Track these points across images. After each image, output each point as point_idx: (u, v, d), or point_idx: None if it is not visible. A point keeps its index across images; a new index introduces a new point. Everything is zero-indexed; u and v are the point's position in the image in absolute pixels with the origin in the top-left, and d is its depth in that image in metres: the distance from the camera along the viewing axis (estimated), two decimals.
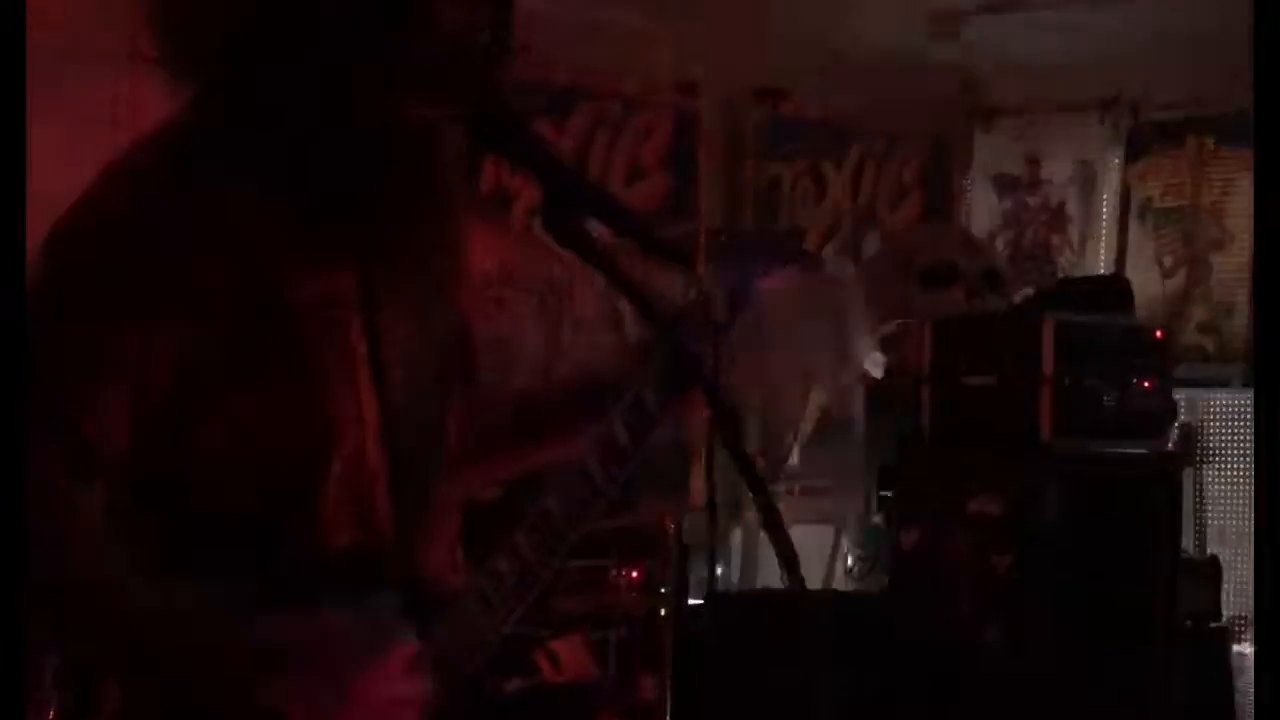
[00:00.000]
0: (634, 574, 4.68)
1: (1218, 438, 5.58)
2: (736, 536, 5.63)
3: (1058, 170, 6.30)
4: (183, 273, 1.64)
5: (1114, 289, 5.13)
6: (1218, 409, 5.71)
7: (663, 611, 4.56)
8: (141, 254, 1.64)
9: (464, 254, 1.91)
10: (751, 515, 5.28)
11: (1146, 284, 5.80)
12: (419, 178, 1.75)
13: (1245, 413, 5.67)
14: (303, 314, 1.69)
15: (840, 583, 5.62)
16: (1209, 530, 5.34)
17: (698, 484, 5.33)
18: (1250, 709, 5.33)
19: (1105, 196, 6.17)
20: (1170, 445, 5.00)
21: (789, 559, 1.57)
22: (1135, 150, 6.08)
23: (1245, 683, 5.36)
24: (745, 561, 5.65)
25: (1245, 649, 5.36)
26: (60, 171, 1.77)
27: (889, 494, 5.05)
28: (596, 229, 1.64)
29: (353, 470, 1.72)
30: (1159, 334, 4.94)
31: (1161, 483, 4.83)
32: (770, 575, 5.41)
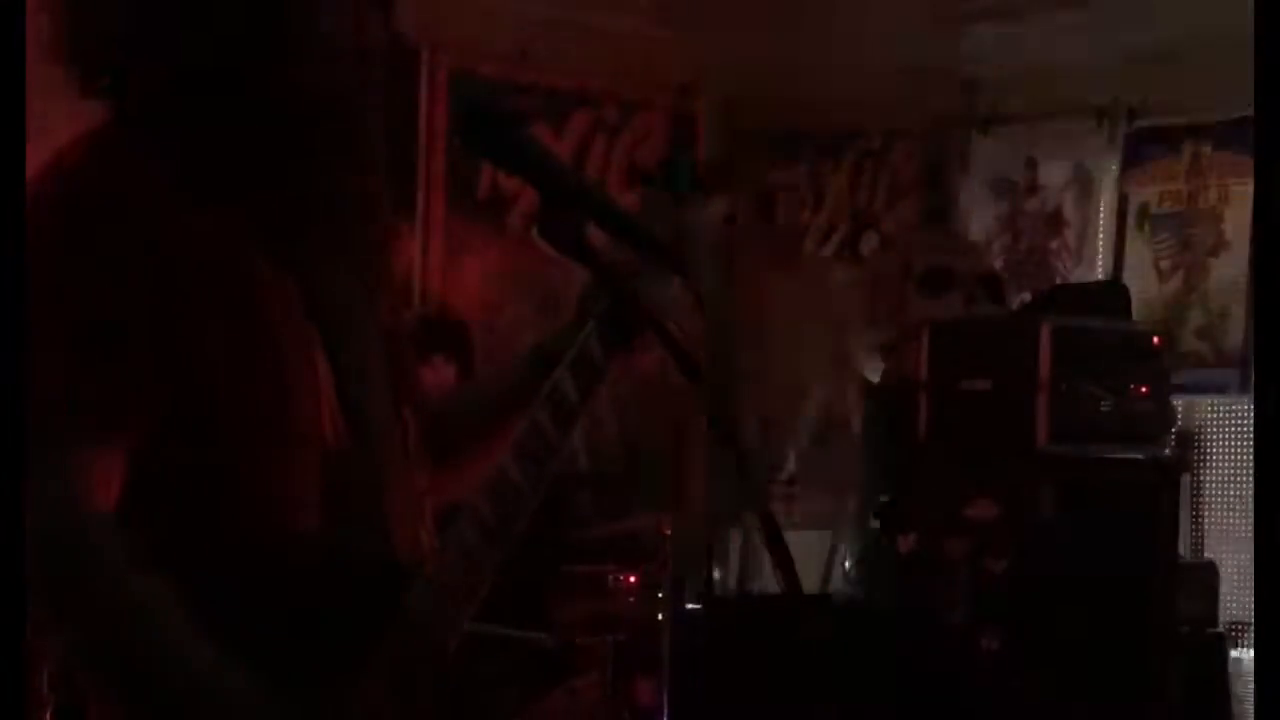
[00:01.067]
0: (631, 579, 4.68)
1: (1215, 443, 5.58)
2: (734, 541, 5.64)
3: (1055, 175, 6.30)
4: (117, 270, 1.65)
5: (1111, 294, 5.14)
6: (1215, 414, 5.71)
7: (660, 616, 4.56)
8: (74, 254, 1.65)
9: (390, 242, 1.92)
10: (749, 520, 5.29)
11: (1143, 289, 5.80)
12: (335, 157, 1.76)
13: (1242, 418, 5.67)
14: (245, 297, 1.70)
15: (837, 586, 5.62)
16: (1206, 535, 5.34)
17: (695, 490, 5.34)
18: (1247, 714, 5.33)
19: (1102, 202, 6.17)
20: (1167, 451, 5.00)
21: (785, 565, 1.57)
22: (1132, 156, 6.08)
23: (1242, 688, 5.36)
24: (743, 566, 5.65)
25: (1242, 654, 5.36)
26: None
27: (886, 498, 5.05)
28: (594, 234, 1.64)
29: (316, 445, 1.73)
30: (1156, 340, 4.94)
31: (1158, 488, 4.84)
32: (768, 580, 5.42)
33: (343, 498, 1.75)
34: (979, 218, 6.51)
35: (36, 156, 1.71)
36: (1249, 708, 5.35)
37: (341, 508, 1.74)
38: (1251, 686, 5.40)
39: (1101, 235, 6.16)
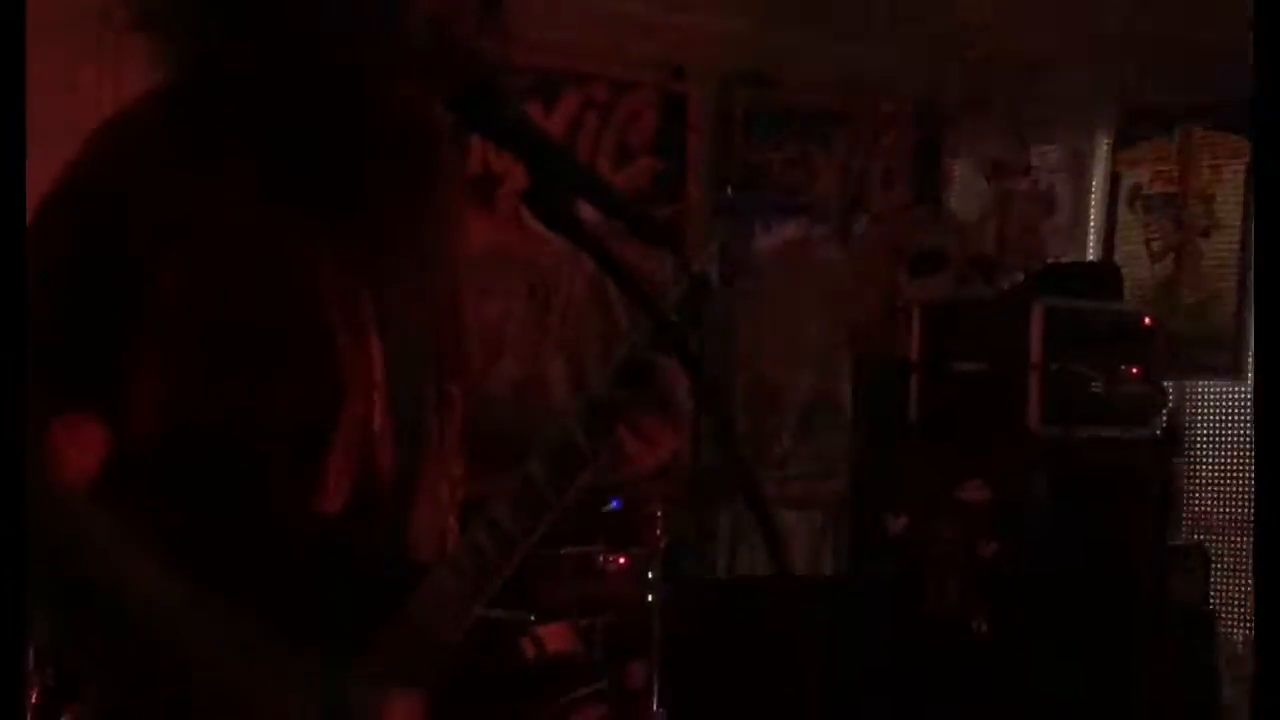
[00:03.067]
0: (622, 560, 4.68)
1: (1205, 424, 5.58)
2: (725, 522, 5.63)
3: (1047, 156, 6.30)
4: (178, 232, 1.63)
5: (1103, 275, 5.13)
6: (1205, 396, 5.71)
7: (650, 598, 4.55)
8: (134, 219, 1.64)
9: (456, 238, 1.90)
10: (739, 500, 5.27)
11: (1135, 270, 5.80)
12: (406, 157, 1.75)
13: (1232, 399, 5.67)
14: (307, 277, 1.69)
15: (828, 568, 5.62)
16: (1196, 517, 5.35)
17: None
18: (1236, 696, 5.34)
19: (1094, 182, 6.17)
20: (1158, 432, 5.00)
21: (775, 543, 1.55)
22: (1124, 136, 6.08)
23: (1231, 670, 5.37)
24: (734, 547, 5.64)
25: (1231, 636, 5.37)
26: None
27: (877, 479, 5.04)
28: (584, 210, 1.63)
29: (360, 434, 1.71)
30: (1147, 321, 4.94)
31: (1149, 470, 4.84)
32: (760, 561, 5.41)
33: (370, 487, 1.73)
34: (971, 198, 6.50)
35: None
36: (1238, 688, 5.36)
37: (367, 497, 1.73)
38: (1241, 668, 5.42)
39: (1093, 216, 6.15)
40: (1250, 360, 5.67)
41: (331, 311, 1.71)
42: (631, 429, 1.79)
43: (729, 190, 1.87)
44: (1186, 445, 5.35)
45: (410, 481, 1.79)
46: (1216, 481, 5.49)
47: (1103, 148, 6.13)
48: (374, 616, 1.71)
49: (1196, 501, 5.36)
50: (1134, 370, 4.82)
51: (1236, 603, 5.34)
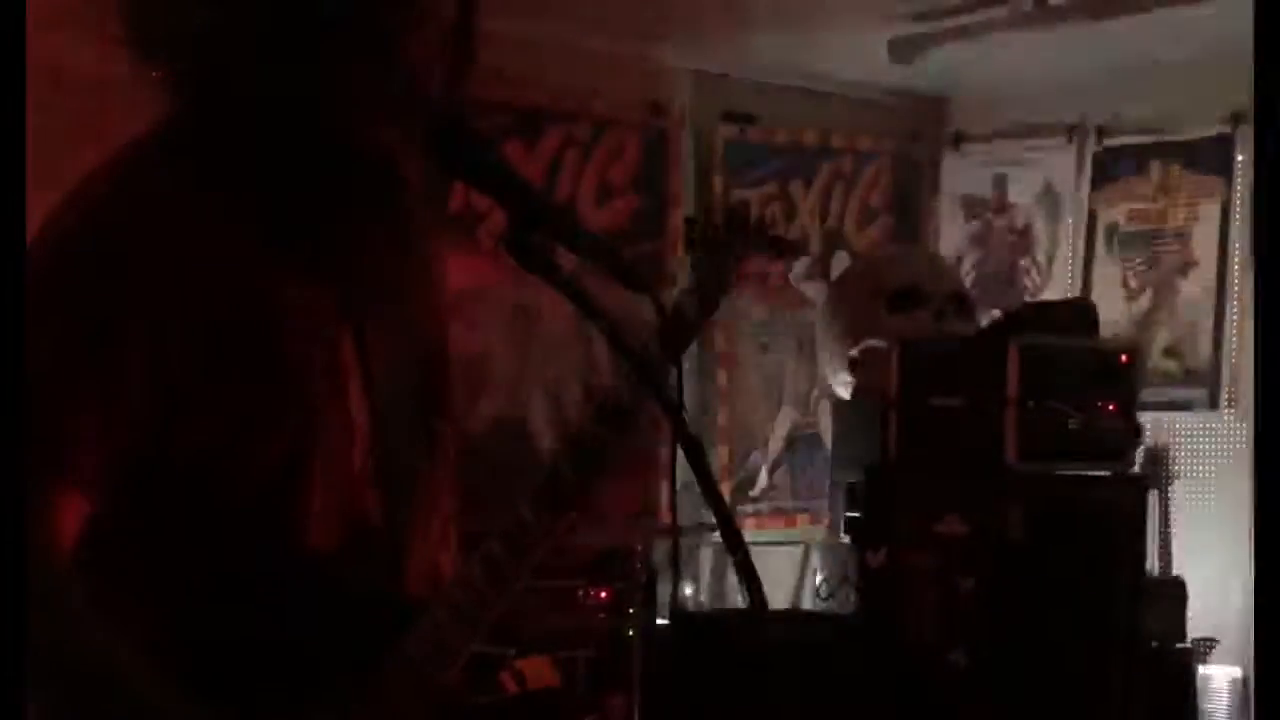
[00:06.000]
0: (603, 594, 4.69)
1: (1183, 460, 5.61)
2: (705, 558, 5.65)
3: (1024, 193, 6.34)
4: (165, 274, 1.65)
5: (1079, 312, 5.16)
6: (1183, 431, 5.74)
7: (631, 632, 4.57)
8: (124, 255, 1.65)
9: (438, 280, 1.92)
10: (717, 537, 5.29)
11: (1112, 308, 5.84)
12: (385, 201, 1.78)
13: (1210, 435, 5.72)
14: (287, 321, 1.71)
15: (809, 602, 5.63)
16: (1174, 551, 5.37)
17: (667, 504, 5.35)
18: None
19: (1071, 220, 6.21)
20: (1135, 467, 5.03)
21: (751, 581, 1.58)
22: (1101, 174, 6.12)
23: (1209, 704, 5.39)
24: (714, 582, 5.66)
25: (1209, 670, 5.39)
26: None
27: (856, 514, 5.06)
28: (562, 253, 1.66)
29: (342, 477, 1.73)
30: (1124, 357, 4.97)
31: (1126, 505, 4.86)
32: (739, 595, 5.42)
33: (361, 527, 1.75)
34: (949, 235, 6.54)
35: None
36: None
37: (358, 537, 1.75)
38: (1218, 702, 5.44)
39: (1070, 253, 6.19)
40: (1225, 396, 5.71)
41: (309, 353, 1.73)
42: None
43: (708, 230, 1.88)
44: (1164, 479, 5.37)
45: (402, 519, 1.81)
46: (1194, 515, 5.51)
47: (1080, 185, 6.18)
48: (370, 654, 1.73)
49: (1174, 535, 5.38)
50: (1111, 406, 4.85)
51: (1213, 636, 5.36)
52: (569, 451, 1.78)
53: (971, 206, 6.49)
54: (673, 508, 1.84)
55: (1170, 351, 5.85)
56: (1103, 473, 4.90)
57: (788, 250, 2.37)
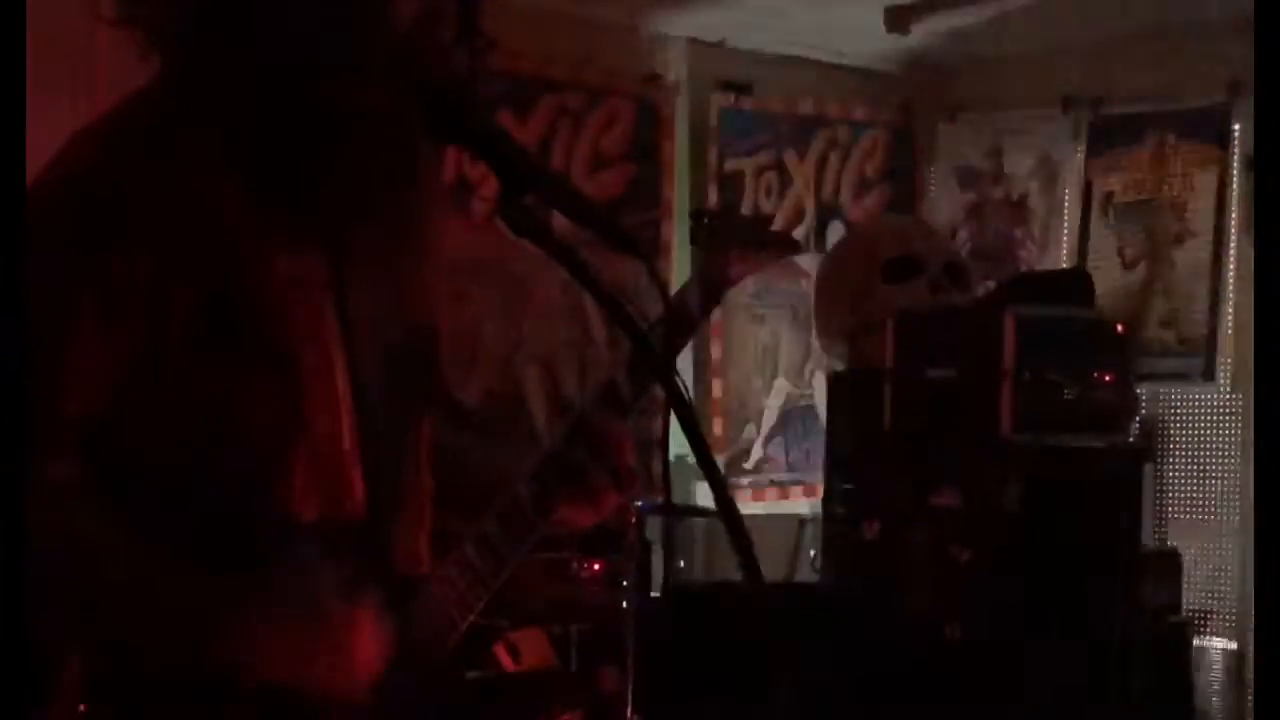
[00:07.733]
0: (595, 566, 4.67)
1: (1178, 431, 5.60)
2: (699, 530, 5.63)
3: (1020, 164, 6.32)
4: (152, 239, 1.64)
5: (1075, 283, 5.14)
6: (1178, 402, 5.73)
7: (624, 604, 4.55)
8: (111, 219, 1.64)
9: (433, 250, 1.90)
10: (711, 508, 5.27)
11: (1107, 278, 5.82)
12: (380, 166, 1.76)
13: (1205, 406, 5.70)
14: (274, 288, 1.70)
15: (804, 574, 5.63)
16: (1169, 523, 5.36)
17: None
18: (1210, 702, 5.36)
19: (1067, 190, 6.19)
20: (1131, 439, 5.02)
21: (746, 554, 1.56)
22: (1097, 144, 6.10)
23: (1204, 677, 5.39)
24: (708, 554, 5.65)
25: (1205, 643, 5.39)
26: None
27: (851, 486, 5.05)
28: (556, 219, 1.64)
29: (326, 446, 1.71)
30: (1120, 328, 4.95)
31: (1122, 476, 4.84)
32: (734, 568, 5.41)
33: (345, 496, 1.74)
34: (945, 206, 6.52)
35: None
36: (1211, 696, 5.38)
37: (344, 506, 1.73)
38: (1213, 674, 5.44)
39: (1066, 223, 6.17)
40: (1221, 367, 5.69)
41: (293, 322, 1.71)
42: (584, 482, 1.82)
43: (705, 219, 1.87)
44: (1159, 451, 5.36)
45: (391, 494, 1.79)
46: (1189, 487, 5.51)
47: (1075, 156, 6.15)
48: (355, 634, 1.71)
49: (1169, 507, 5.37)
50: (1106, 377, 4.83)
51: (1209, 608, 5.36)
52: (569, 433, 1.78)
53: (967, 177, 6.46)
54: (665, 480, 1.83)
55: (1166, 322, 5.83)
56: (1099, 444, 4.88)
57: (788, 247, 2.38)
